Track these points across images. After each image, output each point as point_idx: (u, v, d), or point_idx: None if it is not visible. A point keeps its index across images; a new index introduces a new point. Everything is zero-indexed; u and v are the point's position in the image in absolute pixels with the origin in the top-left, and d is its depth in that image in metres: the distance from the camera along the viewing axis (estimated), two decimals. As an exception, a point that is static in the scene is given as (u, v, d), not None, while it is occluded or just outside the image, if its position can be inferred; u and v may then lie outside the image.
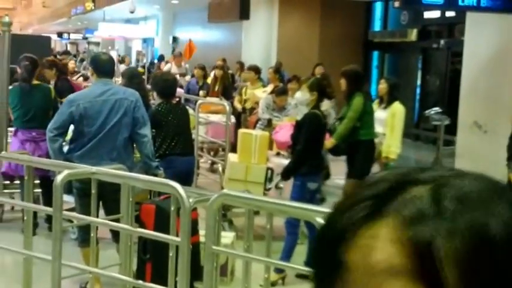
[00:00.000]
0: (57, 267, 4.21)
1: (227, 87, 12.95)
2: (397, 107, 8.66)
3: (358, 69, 8.45)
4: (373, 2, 19.55)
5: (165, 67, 19.19)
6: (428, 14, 16.74)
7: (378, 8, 19.63)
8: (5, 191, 7.59)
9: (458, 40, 14.02)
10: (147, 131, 5.84)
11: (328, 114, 8.72)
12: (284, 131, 8.22)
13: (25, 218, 5.16)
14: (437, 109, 13.59)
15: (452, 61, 16.01)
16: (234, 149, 8.72)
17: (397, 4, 9.37)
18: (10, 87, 6.50)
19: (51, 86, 8.43)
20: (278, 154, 8.28)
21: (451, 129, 12.67)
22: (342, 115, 8.18)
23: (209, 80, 13.67)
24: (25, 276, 4.98)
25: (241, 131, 8.56)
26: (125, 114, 5.71)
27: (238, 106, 11.95)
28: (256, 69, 12.40)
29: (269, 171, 7.64)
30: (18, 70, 7.62)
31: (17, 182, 7.79)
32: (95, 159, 5.35)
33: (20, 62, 7.52)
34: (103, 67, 5.90)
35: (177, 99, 7.19)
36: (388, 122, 8.59)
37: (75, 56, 28.59)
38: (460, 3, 9.03)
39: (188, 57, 18.13)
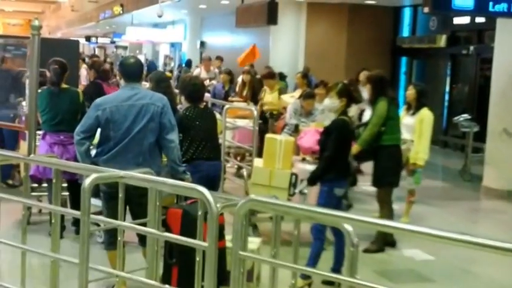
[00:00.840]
0: (84, 270, 4.21)
1: (256, 92, 12.95)
2: (425, 113, 8.60)
3: (383, 74, 8.40)
4: (401, 7, 19.45)
5: (194, 71, 19.25)
6: (457, 20, 16.62)
7: (407, 13, 19.52)
8: (33, 193, 7.62)
9: (488, 46, 13.91)
10: (174, 136, 5.81)
11: (356, 120, 8.70)
12: (308, 137, 8.20)
13: (52, 221, 5.17)
14: (466, 116, 13.52)
15: (482, 67, 15.90)
16: (261, 154, 8.71)
17: (426, 9, 9.30)
18: (39, 90, 6.53)
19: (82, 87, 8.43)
20: (304, 159, 8.25)
21: (480, 136, 12.59)
22: (367, 121, 8.15)
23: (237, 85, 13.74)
24: (52, 279, 4.99)
25: (267, 135, 8.55)
26: (152, 119, 5.70)
27: (258, 109, 11.97)
28: (270, 75, 12.44)
29: (293, 177, 7.60)
30: (48, 73, 7.66)
31: (45, 185, 7.85)
32: (120, 164, 5.32)
33: (49, 65, 7.57)
34: (130, 71, 5.89)
35: (204, 103, 7.16)
36: (416, 129, 8.54)
37: (105, 60, 28.72)
38: (490, 8, 8.95)
39: (242, 63, 17.84)
